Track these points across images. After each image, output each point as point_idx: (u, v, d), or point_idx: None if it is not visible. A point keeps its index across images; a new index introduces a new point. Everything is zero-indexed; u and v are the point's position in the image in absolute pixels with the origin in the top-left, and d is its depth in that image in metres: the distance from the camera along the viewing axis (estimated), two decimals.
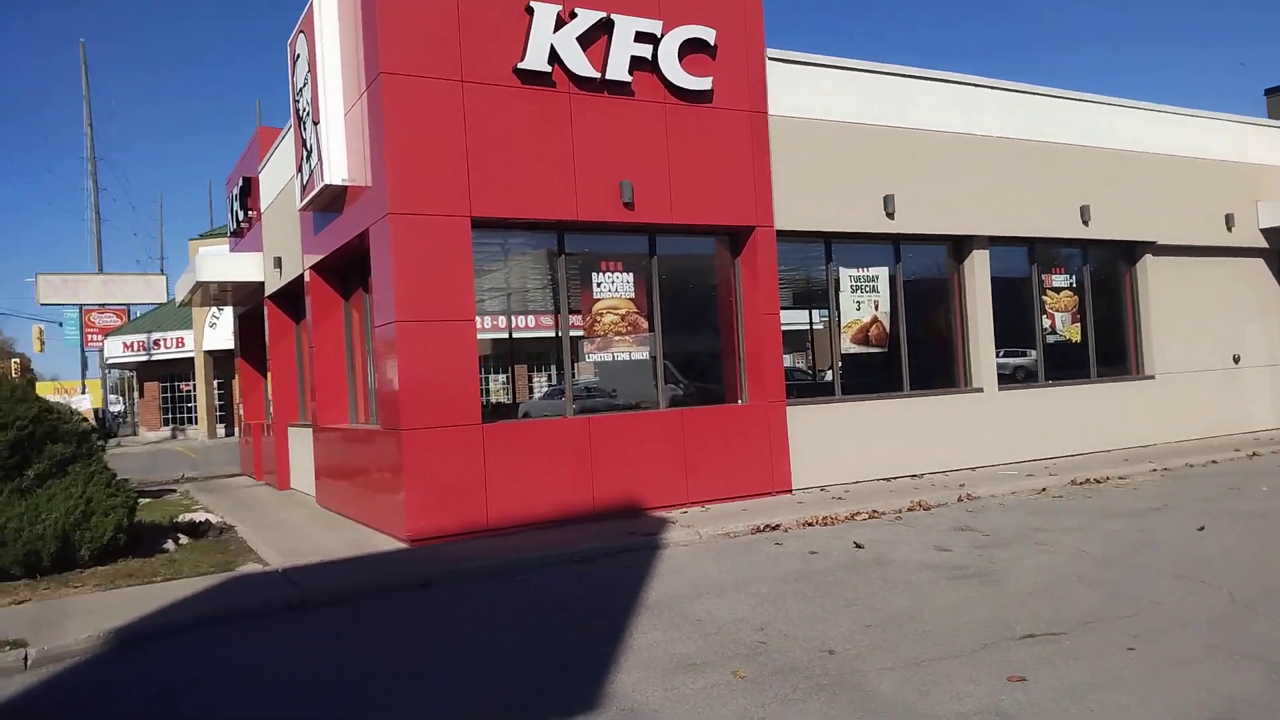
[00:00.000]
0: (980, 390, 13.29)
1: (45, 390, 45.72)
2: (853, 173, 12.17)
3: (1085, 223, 14.14)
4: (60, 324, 50.68)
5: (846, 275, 12.60)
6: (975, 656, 5.62)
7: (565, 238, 10.67)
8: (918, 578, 7.61)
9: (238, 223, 17.60)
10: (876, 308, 12.77)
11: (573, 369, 11.44)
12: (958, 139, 13.04)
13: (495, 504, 9.62)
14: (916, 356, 13.13)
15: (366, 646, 6.52)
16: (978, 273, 13.40)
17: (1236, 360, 16.19)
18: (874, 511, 10.44)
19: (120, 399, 65.89)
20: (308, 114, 11.25)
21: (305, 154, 11.56)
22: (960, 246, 13.51)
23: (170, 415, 42.35)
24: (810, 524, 9.98)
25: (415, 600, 7.68)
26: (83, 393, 47.75)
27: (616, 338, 10.95)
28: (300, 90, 11.64)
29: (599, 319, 10.87)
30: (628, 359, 11.07)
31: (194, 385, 40.75)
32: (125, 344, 41.40)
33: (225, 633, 6.98)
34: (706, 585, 7.61)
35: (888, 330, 12.87)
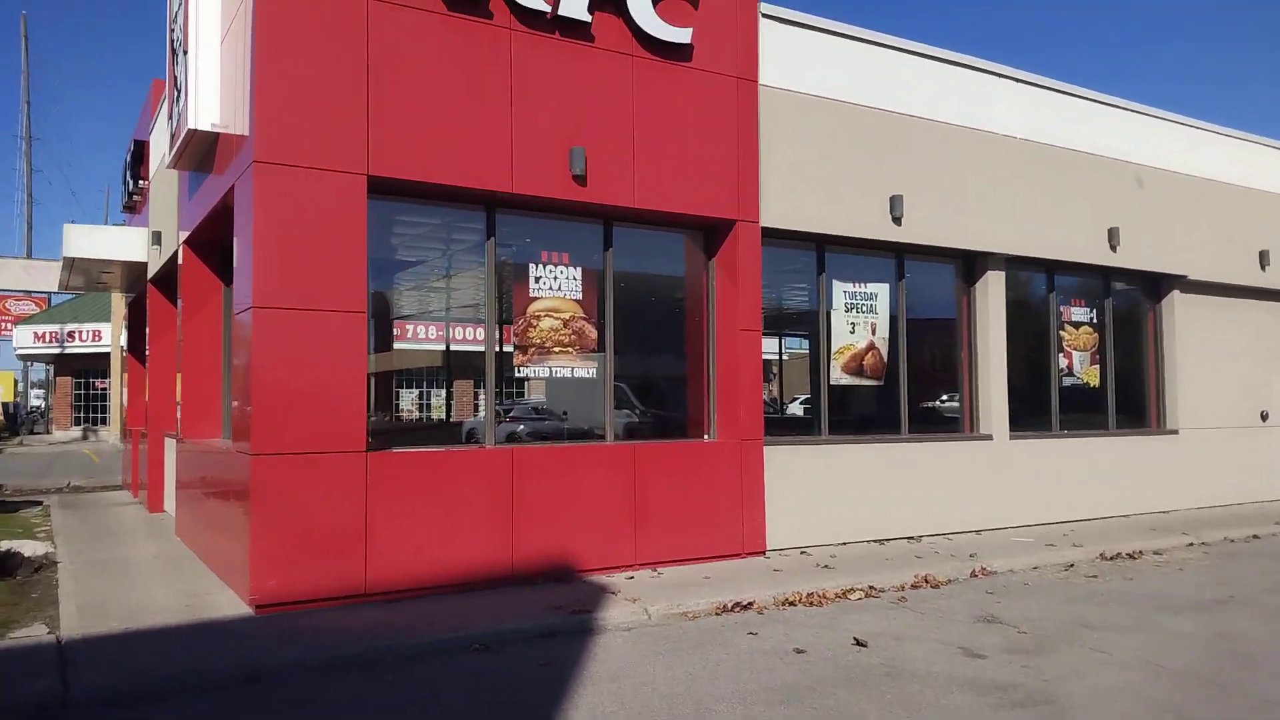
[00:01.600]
0: (989, 437, 11.16)
1: None
2: (855, 165, 10.02)
3: (1114, 248, 12.13)
4: None
5: (840, 290, 10.41)
6: None
7: (497, 216, 8.36)
8: (951, 703, 5.38)
9: (129, 195, 15.03)
10: (873, 332, 10.59)
11: (499, 384, 9.16)
12: (978, 137, 10.97)
13: (379, 560, 7.23)
14: (916, 393, 10.98)
15: None
16: (991, 297, 11.30)
17: (1264, 418, 14.27)
18: (871, 589, 8.20)
19: (47, 393, 62.07)
20: (180, 44, 8.86)
21: (175, 95, 9.16)
22: (972, 265, 11.41)
23: (84, 414, 39.10)
24: (791, 603, 7.70)
25: (231, 708, 5.26)
26: None
27: (557, 349, 8.65)
28: (175, 15, 9.25)
29: (534, 324, 8.56)
30: (568, 376, 8.76)
31: (109, 382, 37.56)
32: (36, 334, 38.13)
33: None
34: (654, 706, 5.28)
35: (885, 360, 10.70)
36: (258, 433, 6.84)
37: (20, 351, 39.72)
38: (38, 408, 54.93)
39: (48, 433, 41.68)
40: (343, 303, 7.16)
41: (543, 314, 8.60)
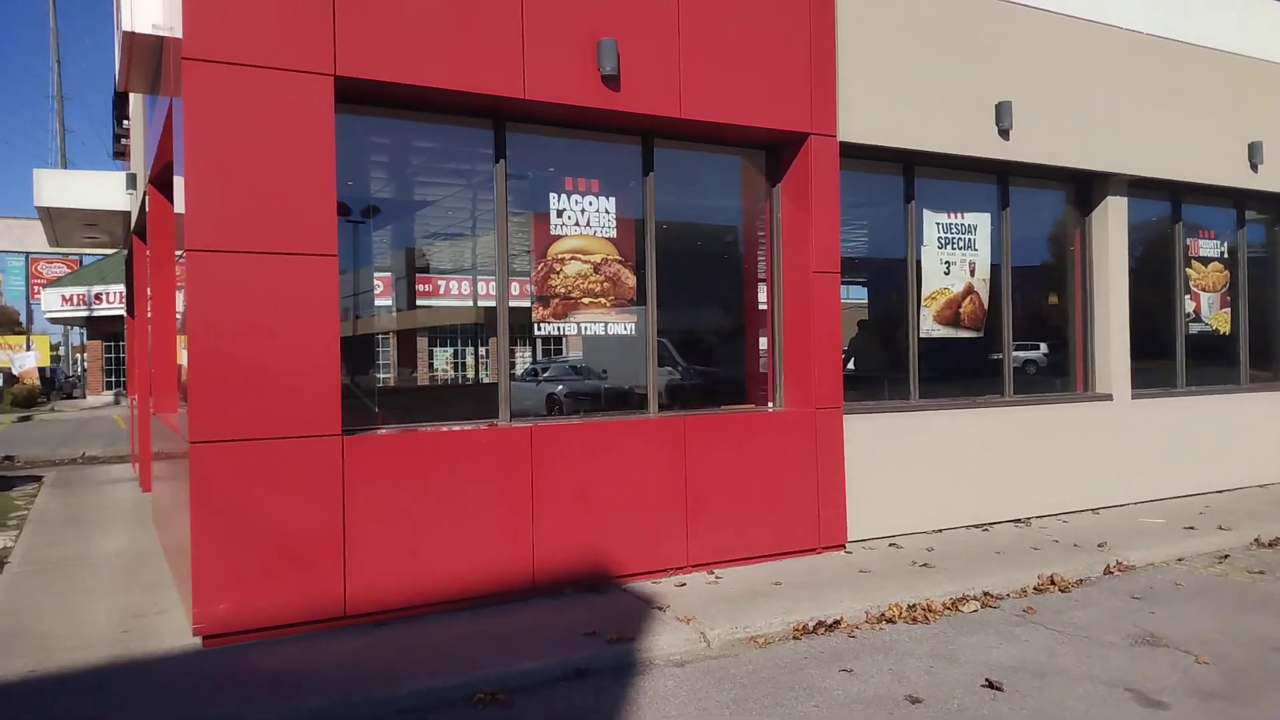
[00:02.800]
0: (1108, 398, 9.32)
1: None
2: (954, 66, 8.12)
3: (1254, 166, 10.12)
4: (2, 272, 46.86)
5: (933, 222, 8.56)
6: None
7: (508, 133, 6.64)
8: None
9: (117, 139, 13.52)
10: (972, 272, 8.75)
11: (523, 343, 7.63)
12: (1099, 33, 8.99)
13: (362, 572, 5.66)
14: (1019, 346, 9.17)
15: None
16: (1111, 229, 9.38)
17: None
18: (986, 595, 6.49)
19: (82, 357, 61.74)
20: None
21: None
22: (1088, 190, 9.48)
23: (115, 378, 38.32)
24: (889, 619, 6.02)
25: None
26: (28, 348, 43.78)
27: (586, 300, 6.96)
28: None
29: (557, 269, 6.87)
30: (601, 333, 7.09)
31: None
32: (64, 297, 37.27)
33: None
34: None
35: (985, 306, 8.87)
36: (196, 415, 5.26)
37: (50, 315, 38.99)
38: (75, 373, 54.62)
39: (83, 397, 41.11)
40: (305, 242, 5.52)
41: (568, 256, 6.90)
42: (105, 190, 11.82)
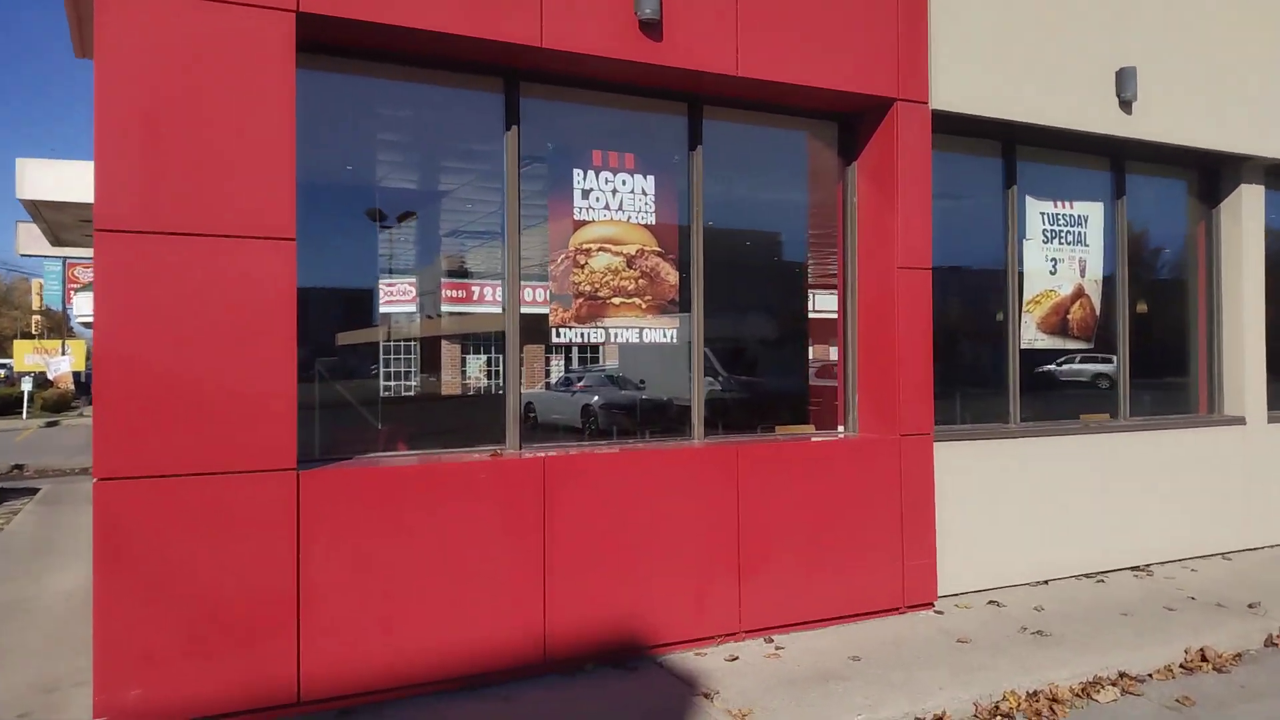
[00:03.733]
0: (1240, 421, 7.83)
1: (24, 349, 41.65)
2: (1065, 22, 6.72)
3: None
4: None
5: (1037, 211, 7.15)
6: None
7: (522, 96, 5.37)
8: None
9: None
10: (1082, 272, 7.32)
11: (522, 351, 6.43)
12: None
13: (322, 647, 4.39)
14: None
15: None
16: (1246, 222, 7.91)
17: None
18: (1124, 677, 5.08)
19: None
20: None
21: None
22: (1215, 177, 8.03)
23: None
24: (1005, 714, 4.63)
25: None
26: (63, 353, 43.49)
27: (617, 300, 5.67)
28: None
29: (581, 262, 5.58)
30: (635, 340, 5.80)
31: None
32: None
33: None
34: None
35: (1097, 312, 7.44)
36: (103, 443, 4.03)
37: (81, 320, 38.60)
38: None
39: None
40: (250, 223, 4.28)
41: (595, 246, 5.62)
42: (89, 182, 10.75)
